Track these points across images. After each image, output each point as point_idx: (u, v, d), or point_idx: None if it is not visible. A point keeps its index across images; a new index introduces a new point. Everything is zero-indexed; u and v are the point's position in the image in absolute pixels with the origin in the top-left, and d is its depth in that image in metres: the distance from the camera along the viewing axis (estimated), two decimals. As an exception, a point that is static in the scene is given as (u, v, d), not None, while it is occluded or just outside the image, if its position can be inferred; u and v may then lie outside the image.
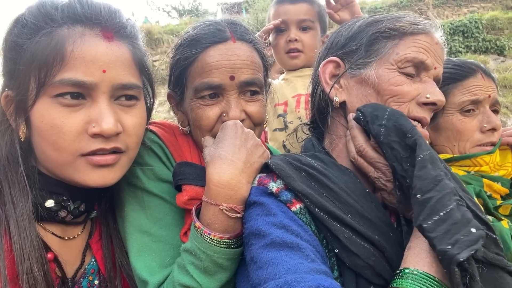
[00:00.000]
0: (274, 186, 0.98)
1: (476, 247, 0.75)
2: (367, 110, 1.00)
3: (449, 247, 0.75)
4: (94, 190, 1.11)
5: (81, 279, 1.13)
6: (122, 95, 1.03)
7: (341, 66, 1.13)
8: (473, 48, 13.47)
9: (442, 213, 0.80)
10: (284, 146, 2.01)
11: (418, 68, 1.04)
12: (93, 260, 1.16)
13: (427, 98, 1.03)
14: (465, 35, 13.45)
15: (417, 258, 0.83)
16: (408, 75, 1.04)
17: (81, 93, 0.96)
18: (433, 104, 1.04)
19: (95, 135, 0.96)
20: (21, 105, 0.97)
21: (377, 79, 1.04)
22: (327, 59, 1.15)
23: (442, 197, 0.82)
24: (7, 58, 1.00)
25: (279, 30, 2.08)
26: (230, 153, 1.06)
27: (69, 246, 1.10)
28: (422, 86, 1.04)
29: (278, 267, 0.80)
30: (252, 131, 1.15)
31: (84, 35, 0.96)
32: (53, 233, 1.06)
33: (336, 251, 0.91)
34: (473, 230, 0.78)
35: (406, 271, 0.83)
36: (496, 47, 13.62)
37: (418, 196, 0.84)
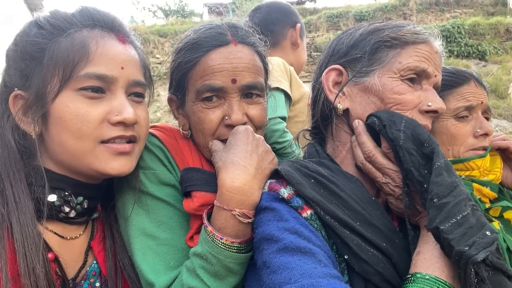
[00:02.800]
0: (285, 192, 1.00)
1: (491, 248, 0.79)
2: (383, 115, 1.03)
3: (467, 248, 0.79)
4: (96, 188, 1.14)
5: (82, 281, 1.13)
6: (133, 92, 1.13)
7: (344, 73, 1.15)
8: (455, 52, 13.77)
9: (459, 217, 0.83)
10: None
11: (420, 76, 1.08)
12: (95, 262, 1.16)
13: (429, 106, 1.06)
14: (448, 40, 13.74)
15: (428, 263, 0.86)
16: (410, 83, 1.07)
17: (100, 88, 1.04)
18: (434, 111, 1.07)
19: (117, 123, 1.05)
20: (37, 101, 1.02)
21: (381, 87, 1.07)
22: (329, 67, 1.17)
23: (458, 202, 0.86)
24: (20, 59, 1.04)
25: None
26: (243, 158, 1.07)
27: (70, 246, 1.11)
28: (424, 94, 1.08)
29: (292, 271, 0.81)
30: (262, 137, 1.17)
31: (104, 37, 1.07)
32: (54, 233, 1.07)
33: (346, 257, 0.93)
34: (488, 233, 0.82)
35: (418, 275, 0.85)
36: (478, 52, 13.96)
37: (435, 200, 0.87)
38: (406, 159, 0.96)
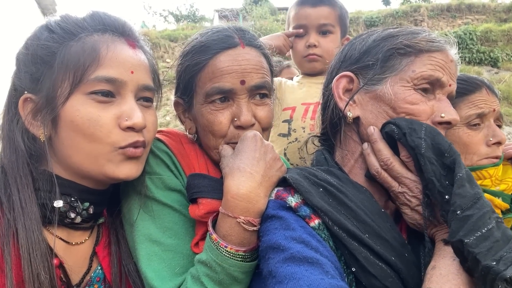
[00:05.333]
0: (292, 200, 0.99)
1: None
2: (401, 122, 0.99)
3: (494, 263, 0.76)
4: (102, 194, 1.14)
5: (87, 287, 1.12)
6: (142, 96, 1.13)
7: (355, 81, 1.13)
8: (467, 59, 13.67)
9: (484, 230, 0.81)
10: (284, 154, 2.00)
11: (434, 85, 1.05)
12: (99, 267, 1.16)
13: (442, 117, 1.03)
14: (460, 46, 13.56)
15: (444, 279, 0.83)
16: (423, 93, 1.04)
17: (110, 92, 1.04)
18: (448, 123, 1.04)
19: (127, 128, 1.05)
20: (48, 105, 1.02)
21: (393, 96, 1.03)
22: (340, 74, 1.14)
23: (482, 215, 0.83)
24: (31, 63, 1.04)
25: (298, 34, 2.08)
26: (249, 165, 1.06)
27: (75, 252, 1.11)
28: (437, 104, 1.05)
29: (299, 282, 0.79)
30: (271, 144, 1.16)
31: (114, 41, 1.08)
32: (59, 238, 1.07)
33: (353, 269, 0.91)
34: None
35: None
36: (490, 59, 13.84)
37: (458, 212, 0.84)
38: (428, 168, 0.92)
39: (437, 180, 0.91)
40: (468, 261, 0.81)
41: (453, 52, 1.09)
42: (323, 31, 2.02)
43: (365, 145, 1.08)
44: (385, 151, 1.02)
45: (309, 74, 2.13)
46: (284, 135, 2.03)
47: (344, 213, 0.95)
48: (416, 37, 1.06)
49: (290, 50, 2.15)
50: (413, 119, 1.02)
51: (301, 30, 2.04)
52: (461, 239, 0.81)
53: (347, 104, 1.12)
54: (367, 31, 1.19)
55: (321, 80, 2.05)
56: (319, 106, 1.27)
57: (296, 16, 2.08)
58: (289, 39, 2.12)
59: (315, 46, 2.01)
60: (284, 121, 2.03)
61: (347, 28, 2.13)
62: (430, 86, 1.04)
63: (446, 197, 0.89)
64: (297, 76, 2.22)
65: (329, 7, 2.02)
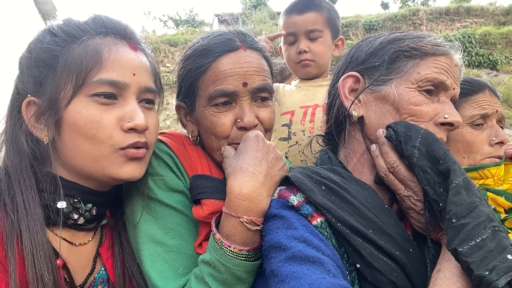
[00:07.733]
0: (295, 199, 0.99)
1: None
2: (400, 129, 1.00)
3: (487, 273, 0.76)
4: (105, 195, 1.15)
5: None
6: (144, 98, 1.13)
7: (361, 81, 1.15)
8: (466, 62, 13.68)
9: (478, 240, 0.81)
10: (286, 157, 2.01)
11: (438, 88, 1.06)
12: (103, 269, 1.16)
13: (445, 118, 1.04)
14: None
15: (448, 282, 0.84)
16: (427, 95, 1.06)
17: (113, 94, 1.05)
18: (450, 124, 1.06)
19: (129, 130, 1.05)
20: (51, 108, 1.03)
21: (398, 97, 1.05)
22: (347, 74, 1.16)
23: (478, 224, 0.83)
24: (34, 66, 1.05)
25: (289, 42, 2.13)
26: (252, 165, 1.07)
27: (78, 253, 1.11)
28: (440, 106, 1.06)
29: (300, 281, 0.80)
30: (273, 144, 1.17)
31: (116, 44, 1.09)
32: (63, 239, 1.07)
33: (358, 265, 0.91)
34: (509, 256, 0.78)
35: None
36: (489, 62, 13.88)
37: (453, 220, 0.84)
38: (421, 177, 0.94)
39: (431, 188, 0.92)
40: (464, 269, 0.82)
41: (458, 57, 1.11)
42: (312, 36, 2.06)
43: (373, 146, 1.08)
44: (391, 154, 1.02)
45: (305, 79, 2.16)
46: (284, 139, 2.06)
47: (347, 209, 0.96)
48: (422, 40, 1.08)
49: (285, 58, 2.20)
50: (413, 122, 1.04)
51: (284, 32, 2.09)
52: (455, 248, 0.82)
53: (352, 103, 1.13)
54: (373, 34, 1.21)
55: (318, 83, 2.12)
56: (325, 105, 1.29)
57: (285, 25, 2.13)
58: (271, 41, 2.18)
59: (305, 51, 2.05)
60: (283, 125, 2.06)
61: (338, 29, 2.16)
62: (434, 89, 1.06)
63: (440, 204, 0.90)
64: (295, 80, 2.26)
65: (315, 12, 2.06)
